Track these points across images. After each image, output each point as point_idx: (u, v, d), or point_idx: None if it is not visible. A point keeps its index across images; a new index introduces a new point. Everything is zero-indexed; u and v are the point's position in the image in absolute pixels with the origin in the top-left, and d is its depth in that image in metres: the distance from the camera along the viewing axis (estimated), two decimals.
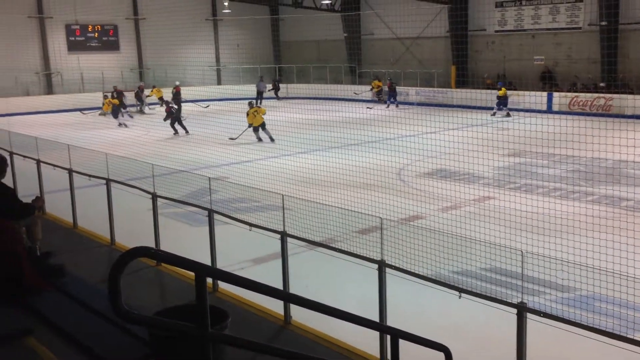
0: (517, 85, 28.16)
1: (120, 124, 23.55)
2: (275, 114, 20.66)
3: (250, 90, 32.12)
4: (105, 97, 27.25)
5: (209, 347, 2.79)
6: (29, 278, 4.50)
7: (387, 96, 30.15)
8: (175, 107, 22.13)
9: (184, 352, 3.31)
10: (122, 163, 10.16)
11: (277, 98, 33.41)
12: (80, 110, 26.23)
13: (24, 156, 10.71)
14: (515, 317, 4.61)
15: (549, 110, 25.53)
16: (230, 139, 18.32)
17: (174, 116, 20.97)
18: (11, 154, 10.63)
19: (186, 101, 26.45)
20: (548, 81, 27.87)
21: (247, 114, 19.28)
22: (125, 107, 26.16)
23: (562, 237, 7.92)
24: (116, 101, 24.78)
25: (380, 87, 31.43)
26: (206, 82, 33.31)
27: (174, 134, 20.78)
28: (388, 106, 29.28)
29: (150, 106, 29.29)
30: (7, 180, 6.30)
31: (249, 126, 19.09)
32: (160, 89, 29.04)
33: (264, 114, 19.50)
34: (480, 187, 12.98)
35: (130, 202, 9.58)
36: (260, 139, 19.11)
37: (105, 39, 33.89)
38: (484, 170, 13.39)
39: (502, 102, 25.23)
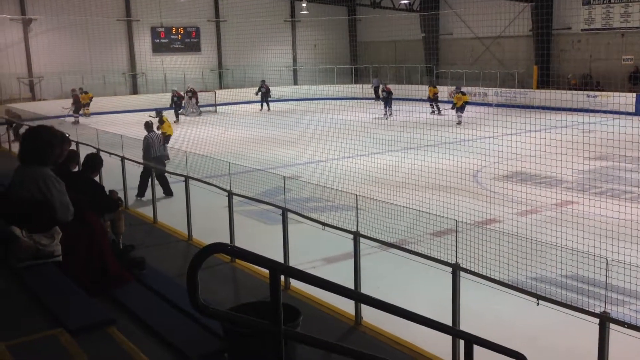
0: (604, 85, 26.89)
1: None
2: (349, 114, 20.70)
3: (326, 90, 32.29)
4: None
5: (282, 344, 2.82)
6: (112, 270, 4.71)
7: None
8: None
9: (257, 348, 3.37)
10: (200, 161, 10.47)
11: (377, 99, 32.53)
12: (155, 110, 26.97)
13: (110, 153, 11.23)
14: (597, 328, 4.41)
15: (638, 112, 24.22)
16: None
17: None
18: (98, 150, 11.17)
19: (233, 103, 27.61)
20: (637, 82, 26.43)
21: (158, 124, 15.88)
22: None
23: None
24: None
25: (436, 93, 28.19)
26: (283, 82, 33.80)
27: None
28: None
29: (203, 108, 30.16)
30: None
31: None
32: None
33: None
34: (562, 191, 12.50)
35: (207, 199, 9.86)
36: None
37: (188, 41, 35.01)
38: (566, 173, 12.88)
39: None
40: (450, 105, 25.47)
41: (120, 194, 8.01)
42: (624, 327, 4.32)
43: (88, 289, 4.34)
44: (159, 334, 3.85)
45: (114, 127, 16.80)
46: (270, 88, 30.42)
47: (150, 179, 10.90)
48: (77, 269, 4.57)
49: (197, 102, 29.22)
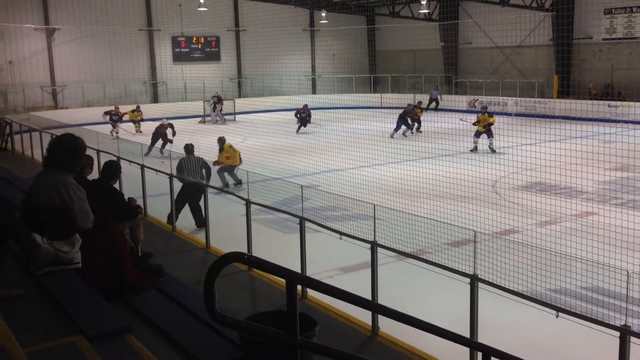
0: (625, 95, 26.59)
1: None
2: (367, 123, 20.71)
3: (344, 99, 32.34)
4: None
5: (298, 354, 2.82)
6: (130, 277, 4.75)
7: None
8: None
9: (273, 358, 3.37)
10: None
11: (435, 109, 31.74)
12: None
13: (130, 161, 11.35)
14: (617, 341, 4.34)
15: None
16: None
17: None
18: (118, 158, 11.30)
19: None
20: None
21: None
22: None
23: None
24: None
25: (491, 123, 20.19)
26: (301, 92, 33.92)
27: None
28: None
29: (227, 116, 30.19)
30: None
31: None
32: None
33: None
34: (582, 202, 12.36)
35: (225, 208, 9.91)
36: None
37: (208, 50, 35.32)
38: (586, 184, 12.73)
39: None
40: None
41: (140, 202, 8.08)
42: None
43: (107, 296, 4.39)
44: (176, 342, 3.88)
45: (134, 136, 16.99)
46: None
47: (180, 200, 10.39)
48: (96, 276, 4.63)
49: (221, 109, 29.45)
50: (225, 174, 14.17)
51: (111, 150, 12.13)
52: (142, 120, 25.05)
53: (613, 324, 4.46)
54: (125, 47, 31.58)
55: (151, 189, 11.11)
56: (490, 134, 19.25)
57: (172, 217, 10.11)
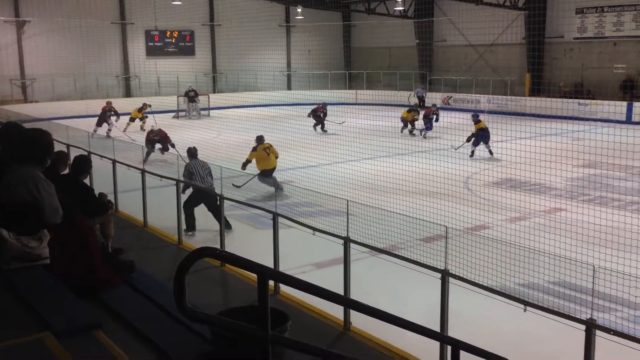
0: (595, 94, 27.10)
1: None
2: (342, 119, 20.77)
3: (320, 95, 32.34)
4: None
5: (269, 349, 2.83)
6: (100, 273, 4.71)
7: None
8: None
9: (245, 353, 3.37)
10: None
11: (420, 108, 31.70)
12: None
13: (101, 156, 11.21)
14: (583, 334, 4.44)
15: (629, 120, 24.41)
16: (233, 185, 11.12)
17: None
18: (89, 153, 11.16)
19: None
20: (629, 90, 26.64)
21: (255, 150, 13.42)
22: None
23: (638, 253, 7.56)
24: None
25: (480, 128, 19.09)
26: (277, 87, 33.84)
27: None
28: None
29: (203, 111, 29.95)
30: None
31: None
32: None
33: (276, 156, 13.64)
34: (551, 198, 12.57)
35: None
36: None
37: (182, 44, 34.99)
38: (556, 181, 12.95)
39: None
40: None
41: (111, 197, 8.01)
42: (610, 334, 4.35)
43: (76, 292, 4.34)
44: (146, 338, 3.85)
45: (105, 131, 16.77)
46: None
47: (191, 204, 9.74)
48: (65, 272, 4.57)
49: (198, 102, 29.34)
50: (265, 180, 12.62)
51: (81, 144, 11.96)
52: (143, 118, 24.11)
53: (579, 317, 4.55)
54: (97, 40, 31.10)
55: (122, 185, 11.00)
56: (479, 140, 17.83)
57: (187, 226, 9.51)
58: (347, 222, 6.55)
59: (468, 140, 17.97)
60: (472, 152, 17.77)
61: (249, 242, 9.54)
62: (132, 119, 24.00)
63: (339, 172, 13.81)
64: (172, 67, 32.20)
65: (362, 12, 35.90)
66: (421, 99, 31.30)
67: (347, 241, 6.37)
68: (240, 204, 8.71)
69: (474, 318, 6.62)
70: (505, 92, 30.28)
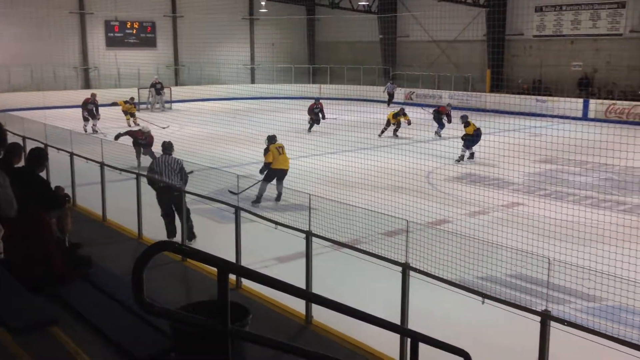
0: (553, 91, 27.74)
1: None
2: (305, 114, 20.75)
3: (284, 89, 32.28)
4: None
5: (229, 343, 2.82)
6: (57, 267, 4.61)
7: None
8: None
9: (204, 347, 3.36)
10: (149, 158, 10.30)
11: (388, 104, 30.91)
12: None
13: (58, 149, 10.96)
14: (538, 325, 4.55)
15: (585, 117, 25.06)
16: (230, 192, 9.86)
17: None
18: (46, 146, 10.89)
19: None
20: (585, 88, 27.35)
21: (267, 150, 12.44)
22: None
23: (591, 246, 7.79)
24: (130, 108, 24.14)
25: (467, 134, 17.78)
26: (240, 81, 33.59)
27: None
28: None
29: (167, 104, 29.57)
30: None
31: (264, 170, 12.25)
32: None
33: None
34: (510, 192, 12.83)
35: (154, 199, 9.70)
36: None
37: (143, 36, 34.43)
38: (515, 175, 13.22)
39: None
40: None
41: (68, 191, 7.84)
42: (564, 324, 4.47)
43: (32, 288, 4.25)
44: (104, 334, 3.80)
45: (64, 122, 16.40)
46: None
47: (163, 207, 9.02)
48: (20, 266, 4.46)
49: (163, 95, 28.93)
50: (270, 184, 11.73)
51: (38, 137, 11.68)
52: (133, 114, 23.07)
53: (535, 309, 4.66)
54: (55, 30, 30.31)
55: (81, 178, 10.78)
56: (468, 144, 16.72)
57: (167, 232, 8.92)
58: (309, 216, 6.56)
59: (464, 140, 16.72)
60: (462, 156, 16.41)
61: (212, 236, 9.47)
62: (132, 114, 22.99)
63: (303, 167, 13.80)
64: (132, 59, 31.63)
65: (326, 7, 35.91)
66: (391, 95, 31.47)
67: (309, 235, 6.38)
68: (201, 198, 8.62)
69: (434, 311, 6.71)
70: (466, 88, 30.72)
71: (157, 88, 28.78)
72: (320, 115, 22.31)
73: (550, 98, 26.58)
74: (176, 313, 2.95)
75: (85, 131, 20.33)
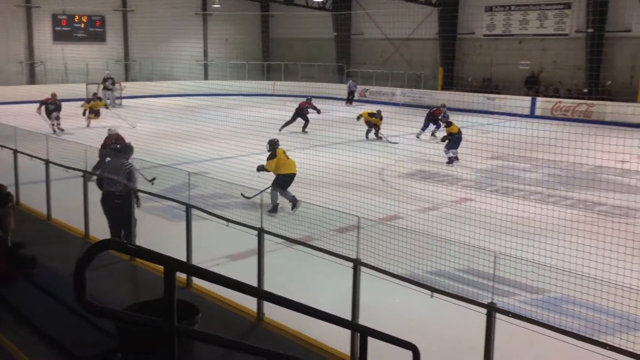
0: (502, 89, 28.42)
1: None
2: (259, 111, 20.66)
3: (238, 86, 32.00)
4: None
5: (175, 342, 2.79)
6: None
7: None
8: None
9: (151, 346, 3.31)
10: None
11: (348, 102, 30.59)
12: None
13: (1, 146, 10.60)
14: (484, 317, 4.65)
15: (532, 115, 25.77)
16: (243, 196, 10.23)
17: None
18: None
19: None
20: (532, 86, 28.11)
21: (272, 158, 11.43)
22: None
23: (537, 240, 8.02)
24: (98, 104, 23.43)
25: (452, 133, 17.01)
26: (193, 77, 33.17)
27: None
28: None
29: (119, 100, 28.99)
30: None
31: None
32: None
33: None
34: (460, 188, 13.07)
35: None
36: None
37: (92, 30, 33.61)
38: (465, 172, 13.49)
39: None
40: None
41: (11, 189, 7.60)
42: (509, 316, 4.58)
43: None
44: (47, 335, 3.70)
45: (8, 119, 15.87)
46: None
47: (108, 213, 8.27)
48: None
49: (115, 91, 28.32)
50: (279, 191, 11.00)
51: None
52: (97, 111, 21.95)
53: (481, 301, 4.76)
54: (0, 23, 29.33)
55: (24, 176, 10.45)
56: (453, 146, 15.93)
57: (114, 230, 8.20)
58: (261, 213, 6.55)
59: (443, 140, 16.24)
60: (450, 158, 15.54)
61: (163, 235, 9.33)
62: (95, 112, 21.95)
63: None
64: (81, 54, 30.83)
65: (280, 3, 35.81)
66: (352, 93, 31.28)
67: (261, 232, 6.35)
68: (152, 196, 8.48)
69: (385, 306, 6.78)
70: (419, 86, 31.13)
71: (109, 84, 28.14)
72: (308, 113, 21.46)
73: (499, 96, 27.21)
74: (120, 312, 2.90)
75: (54, 131, 19.63)
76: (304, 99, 22.11)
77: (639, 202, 11.15)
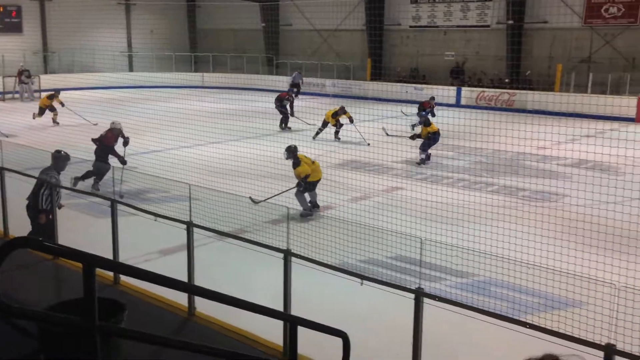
0: (429, 79, 29.09)
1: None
2: (187, 103, 20.28)
3: (164, 78, 31.25)
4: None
5: (97, 341, 2.70)
6: None
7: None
8: None
9: (73, 347, 3.19)
10: (21, 151, 9.66)
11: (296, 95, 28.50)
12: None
13: None
14: (413, 302, 4.75)
15: (458, 104, 26.52)
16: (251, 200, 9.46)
17: None
18: None
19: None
20: (457, 76, 28.91)
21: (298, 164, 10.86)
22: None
23: (463, 226, 8.27)
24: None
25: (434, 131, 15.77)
26: (117, 69, 32.13)
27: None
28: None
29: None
30: None
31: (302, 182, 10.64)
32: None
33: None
34: (390, 177, 13.30)
35: (28, 194, 9.10)
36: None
37: (7, 21, 31.95)
38: (395, 161, 13.72)
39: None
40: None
41: None
42: (436, 300, 4.70)
43: None
44: None
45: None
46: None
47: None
48: None
49: (32, 84, 27.07)
50: (307, 194, 10.66)
51: None
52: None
53: (409, 287, 4.87)
54: None
55: None
56: (428, 145, 14.99)
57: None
58: (190, 206, 6.43)
59: (412, 138, 15.25)
60: (422, 159, 14.77)
61: (87, 232, 9.03)
62: (43, 110, 20.76)
63: (185, 157, 13.52)
64: None
65: None
66: (297, 86, 30.03)
67: (190, 226, 6.25)
68: (75, 192, 8.18)
69: (317, 295, 6.83)
70: (348, 77, 31.40)
71: (25, 76, 26.89)
72: (288, 110, 20.41)
73: (426, 86, 27.82)
74: (37, 313, 2.77)
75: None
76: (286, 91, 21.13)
77: (559, 187, 11.68)
